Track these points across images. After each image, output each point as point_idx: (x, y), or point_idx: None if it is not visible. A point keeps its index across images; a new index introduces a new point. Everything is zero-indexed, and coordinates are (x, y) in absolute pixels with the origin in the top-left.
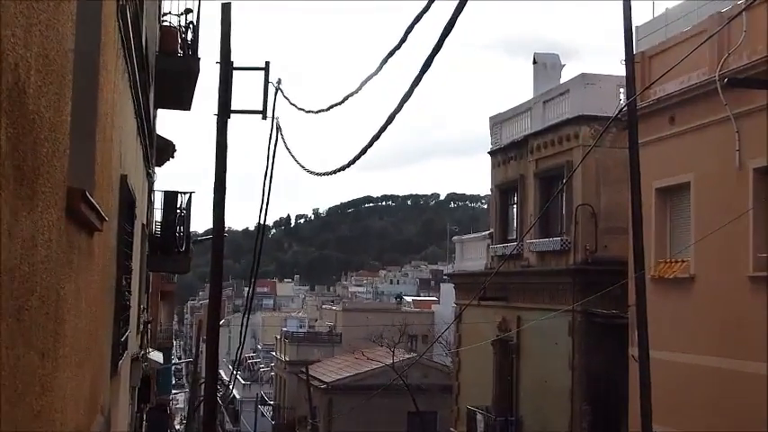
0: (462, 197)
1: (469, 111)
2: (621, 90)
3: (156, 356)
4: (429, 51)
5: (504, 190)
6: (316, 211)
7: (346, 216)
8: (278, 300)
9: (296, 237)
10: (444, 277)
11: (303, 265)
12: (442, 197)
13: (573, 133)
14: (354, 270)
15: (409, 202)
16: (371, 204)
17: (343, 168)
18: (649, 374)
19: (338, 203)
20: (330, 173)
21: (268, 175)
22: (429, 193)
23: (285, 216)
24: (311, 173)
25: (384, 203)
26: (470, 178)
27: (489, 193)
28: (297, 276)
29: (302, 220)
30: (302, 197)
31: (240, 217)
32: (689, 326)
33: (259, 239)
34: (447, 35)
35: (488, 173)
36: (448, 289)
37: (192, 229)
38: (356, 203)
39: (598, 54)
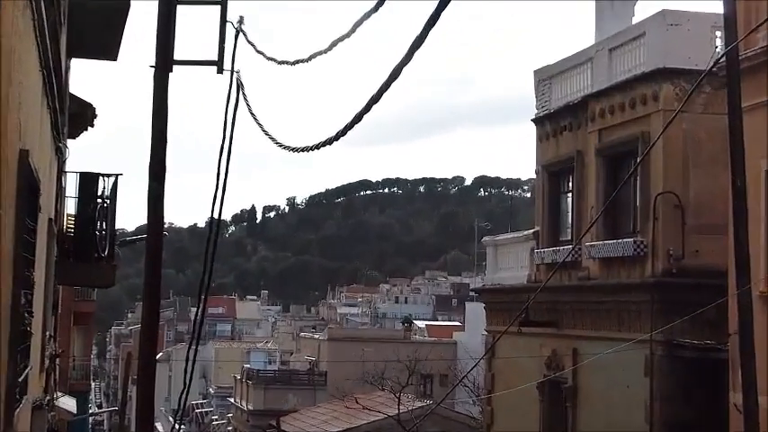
0: (496, 182)
1: (507, 63)
2: (718, 33)
3: (68, 403)
4: None
5: (555, 172)
6: (291, 202)
7: (334, 208)
8: (238, 325)
9: (263, 237)
10: (471, 294)
11: (273, 276)
12: (467, 182)
13: (650, 93)
14: (345, 283)
15: (422, 189)
16: (369, 192)
17: (329, 142)
18: (758, 429)
19: (323, 191)
20: (311, 148)
21: (225, 152)
22: (450, 177)
23: (248, 208)
24: (285, 147)
25: (387, 191)
26: (507, 156)
27: (534, 176)
28: (264, 292)
29: (272, 214)
30: (273, 182)
31: (186, 209)
32: None
33: (212, 241)
34: None
35: (532, 149)
36: (476, 310)
37: (118, 226)
38: (348, 191)
39: None
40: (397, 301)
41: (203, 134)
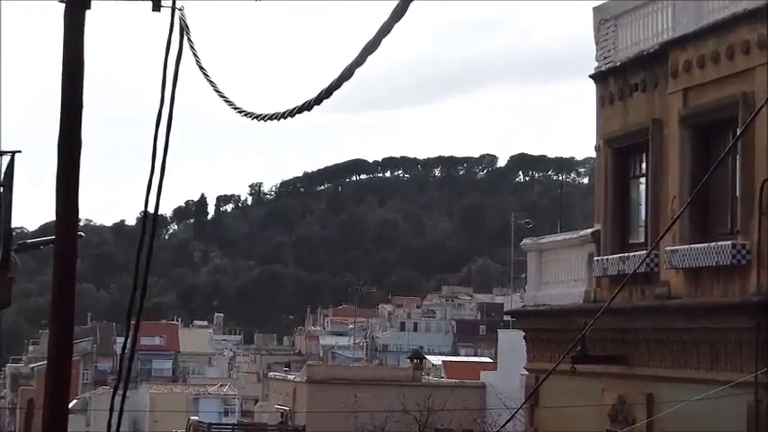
0: (540, 163)
1: None
2: None
3: None
4: None
5: (622, 149)
6: (256, 190)
7: (315, 199)
8: (182, 361)
9: (217, 239)
10: (505, 319)
11: (231, 293)
12: (500, 162)
13: (756, 39)
14: (331, 304)
15: (438, 173)
16: (364, 177)
17: (307, 106)
18: None
19: (299, 175)
20: (283, 115)
21: (163, 121)
22: (476, 155)
23: (197, 199)
24: (246, 114)
25: (390, 175)
26: (555, 127)
27: (592, 155)
28: (219, 316)
29: (229, 207)
30: (231, 164)
31: (110, 201)
32: None
33: (145, 244)
34: None
35: (591, 116)
36: (512, 341)
37: (15, 225)
38: (335, 175)
39: None
40: (403, 329)
41: (136, 99)
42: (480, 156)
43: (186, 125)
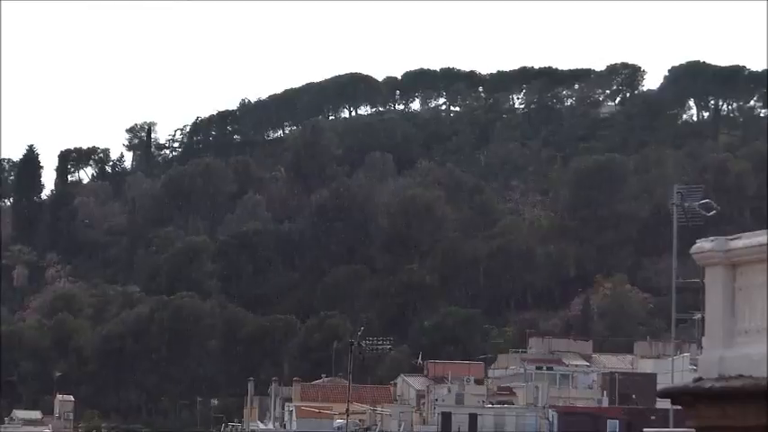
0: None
1: None
2: None
3: None
4: None
5: None
6: (175, 141)
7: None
8: None
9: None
10: (663, 406)
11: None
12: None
13: None
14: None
15: (535, 106)
16: (371, 112)
17: None
18: None
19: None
20: None
21: None
22: (618, 63)
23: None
24: None
25: (434, 104)
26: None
27: None
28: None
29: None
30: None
31: None
32: None
33: None
34: None
35: None
36: None
37: None
38: (292, 99)
39: None
40: None
41: None
42: (622, 64)
43: None
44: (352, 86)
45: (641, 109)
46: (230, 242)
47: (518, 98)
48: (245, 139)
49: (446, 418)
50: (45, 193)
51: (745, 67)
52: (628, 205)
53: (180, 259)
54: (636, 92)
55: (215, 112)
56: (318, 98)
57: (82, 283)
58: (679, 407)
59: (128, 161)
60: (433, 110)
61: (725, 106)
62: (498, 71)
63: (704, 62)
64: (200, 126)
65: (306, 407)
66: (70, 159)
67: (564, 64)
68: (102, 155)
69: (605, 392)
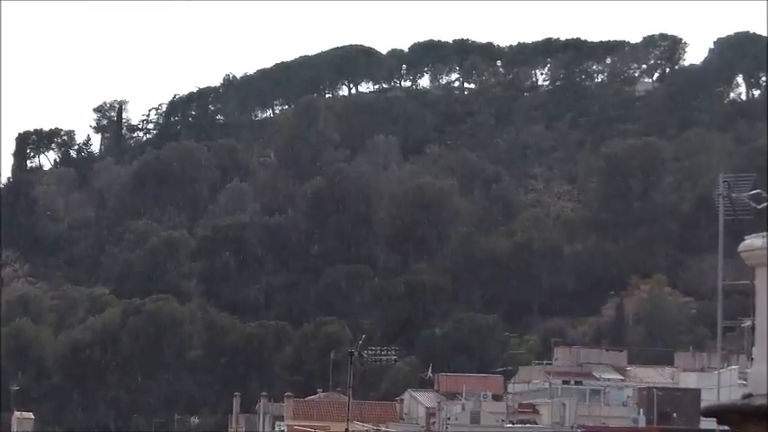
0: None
1: None
2: None
3: None
4: None
5: None
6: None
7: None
8: None
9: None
10: (708, 426)
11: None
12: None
13: None
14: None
15: (561, 83)
16: (372, 89)
17: None
18: None
19: (235, 76)
20: None
21: None
22: (656, 34)
23: None
24: None
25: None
26: None
27: None
28: None
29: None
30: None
31: None
32: None
33: None
34: None
35: None
36: None
37: None
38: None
39: None
40: None
41: None
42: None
43: None
44: (353, 60)
45: (682, 86)
46: (212, 237)
47: (542, 74)
48: (229, 120)
49: None
50: (0, 182)
51: None
52: (667, 196)
53: (155, 257)
54: (676, 67)
55: (195, 89)
56: (314, 73)
57: (43, 283)
58: (726, 427)
59: (95, 145)
60: (445, 87)
61: None
62: (519, 43)
63: (754, 33)
64: (177, 105)
65: (299, 426)
66: (29, 143)
67: (594, 35)
68: (65, 137)
69: (641, 410)
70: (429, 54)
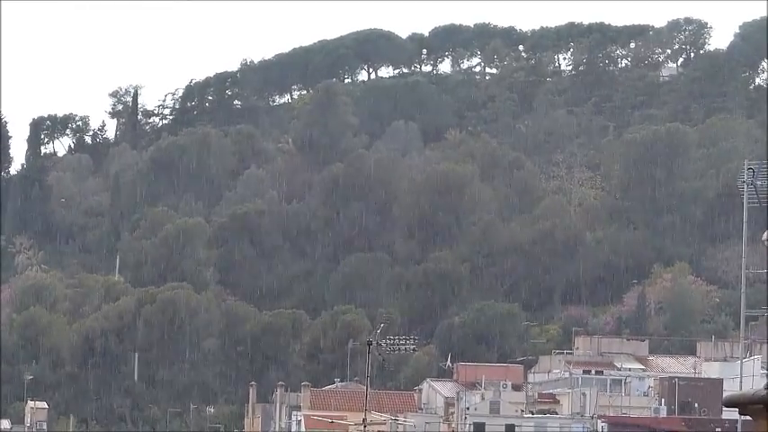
0: None
1: None
2: None
3: None
4: None
5: None
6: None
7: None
8: None
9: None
10: (730, 416)
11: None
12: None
13: None
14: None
15: (584, 67)
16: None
17: None
18: None
19: (252, 61)
20: None
21: None
22: (681, 18)
23: None
24: None
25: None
26: None
27: None
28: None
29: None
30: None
31: None
32: None
33: None
34: None
35: None
36: None
37: None
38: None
39: None
40: None
41: None
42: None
43: None
44: (372, 44)
45: (707, 71)
46: (229, 225)
47: (564, 58)
48: (246, 106)
49: (479, 428)
50: (14, 168)
51: None
52: (691, 184)
53: (171, 244)
54: (701, 51)
55: (212, 74)
56: (332, 58)
57: (56, 271)
58: (748, 417)
59: (110, 131)
60: (466, 72)
61: None
62: (541, 27)
63: None
64: (194, 90)
65: (316, 416)
66: (43, 128)
67: (618, 19)
68: (80, 123)
69: (663, 400)
70: (450, 38)
